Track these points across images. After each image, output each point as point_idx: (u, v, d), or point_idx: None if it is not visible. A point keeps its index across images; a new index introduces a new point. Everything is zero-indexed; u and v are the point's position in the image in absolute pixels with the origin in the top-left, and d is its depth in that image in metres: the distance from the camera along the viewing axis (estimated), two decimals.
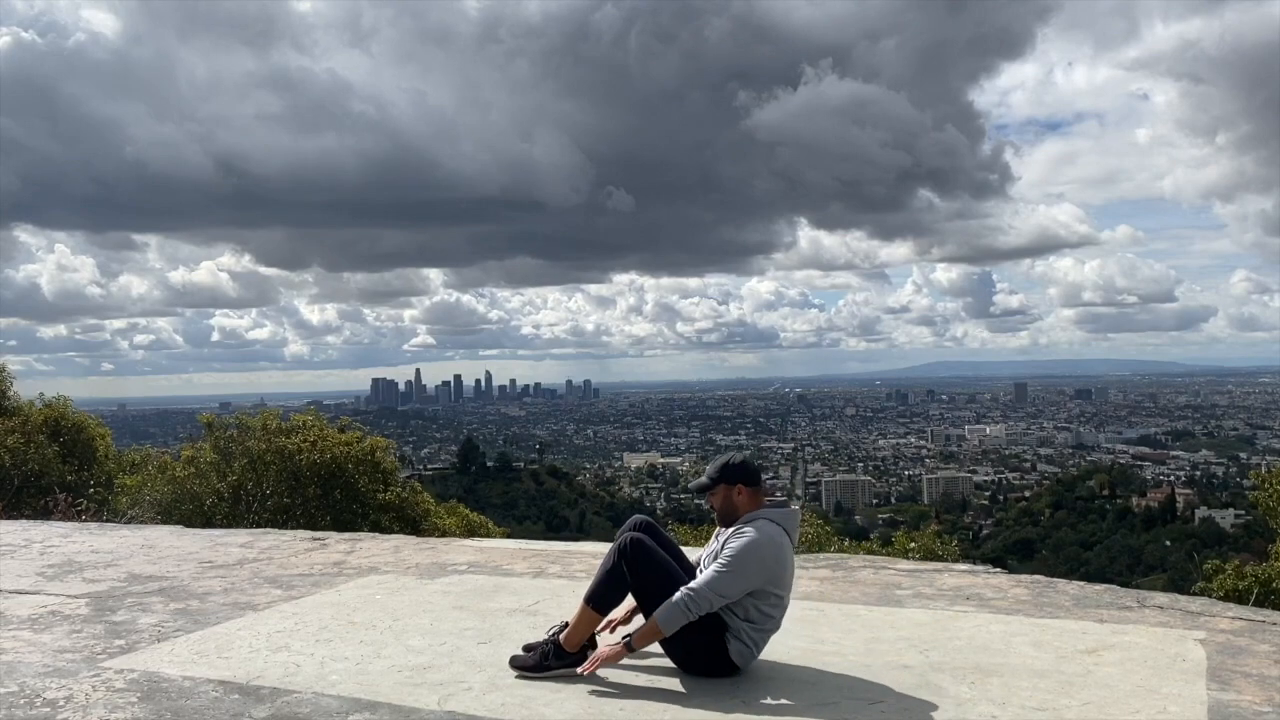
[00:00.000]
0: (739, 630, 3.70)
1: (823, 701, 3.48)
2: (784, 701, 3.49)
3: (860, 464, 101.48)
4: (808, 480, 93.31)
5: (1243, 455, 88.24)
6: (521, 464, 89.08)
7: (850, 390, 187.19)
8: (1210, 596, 8.01)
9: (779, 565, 3.72)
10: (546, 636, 3.86)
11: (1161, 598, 4.99)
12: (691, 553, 4.17)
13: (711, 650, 3.70)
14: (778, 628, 3.83)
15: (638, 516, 4.06)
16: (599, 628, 3.94)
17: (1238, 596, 9.40)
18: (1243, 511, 57.50)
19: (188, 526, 8.90)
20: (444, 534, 12.71)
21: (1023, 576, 5.46)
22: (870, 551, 11.39)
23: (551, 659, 3.75)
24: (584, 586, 3.90)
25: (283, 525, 10.79)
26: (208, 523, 10.86)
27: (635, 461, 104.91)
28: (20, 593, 5.45)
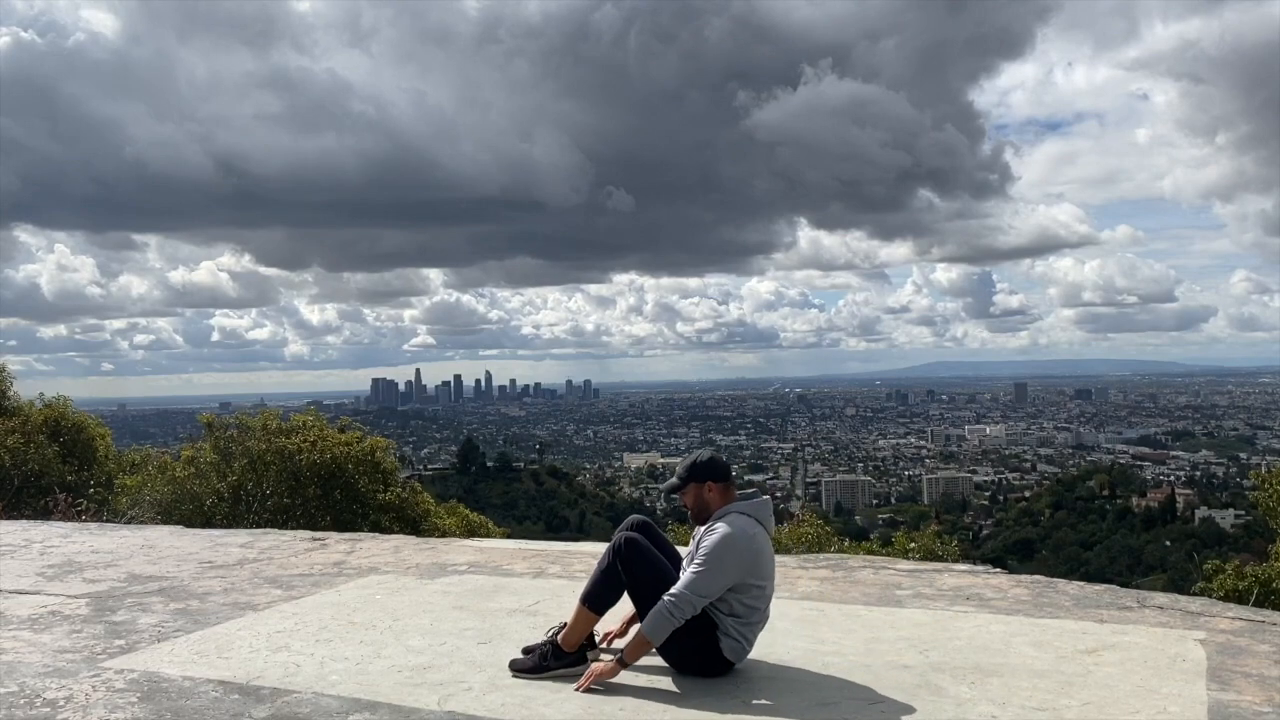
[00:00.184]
0: (728, 627, 3.70)
1: (823, 701, 3.48)
2: (783, 701, 3.49)
3: (860, 464, 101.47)
4: (808, 480, 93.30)
5: (1243, 455, 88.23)
6: (521, 464, 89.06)
7: (850, 390, 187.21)
8: (1210, 596, 8.01)
9: (755, 555, 3.72)
10: (545, 638, 3.87)
11: (1161, 598, 4.99)
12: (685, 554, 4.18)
13: (705, 650, 3.70)
14: (765, 619, 3.84)
15: (634, 516, 4.07)
16: (600, 639, 3.96)
17: (1238, 597, 9.41)
18: (1243, 512, 57.52)
19: (188, 527, 8.90)
20: (444, 534, 12.71)
21: (1023, 577, 5.46)
22: (870, 552, 11.41)
23: (550, 659, 3.76)
24: (583, 586, 3.90)
25: (283, 525, 10.79)
26: (208, 523, 10.85)
27: (635, 461, 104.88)
28: (20, 593, 5.45)
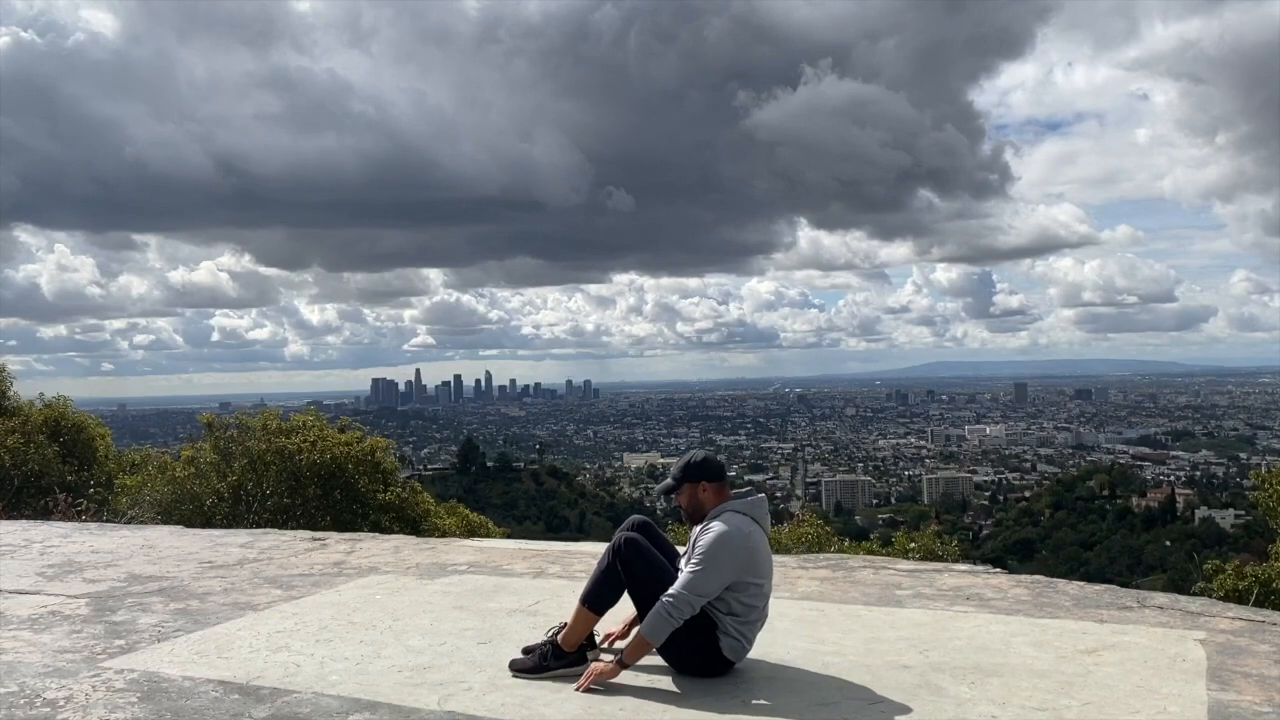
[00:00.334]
0: (727, 626, 3.70)
1: (823, 701, 3.48)
2: (783, 701, 3.49)
3: (860, 464, 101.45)
4: (808, 480, 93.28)
5: (1243, 455, 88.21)
6: (521, 464, 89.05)
7: (850, 390, 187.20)
8: (1210, 597, 8.00)
9: (751, 554, 3.72)
10: (545, 638, 3.87)
11: (1161, 598, 4.99)
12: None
13: (704, 649, 3.70)
14: (764, 617, 3.84)
15: (634, 517, 4.07)
16: (601, 640, 3.96)
17: (1238, 597, 9.41)
18: (1243, 512, 57.51)
19: (188, 527, 8.90)
20: (444, 534, 12.71)
21: (1023, 577, 5.46)
22: (870, 552, 11.41)
23: (550, 660, 3.76)
24: (583, 587, 3.90)
25: (283, 525, 10.79)
26: (208, 523, 10.85)
27: (635, 461, 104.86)
28: (20, 593, 5.44)
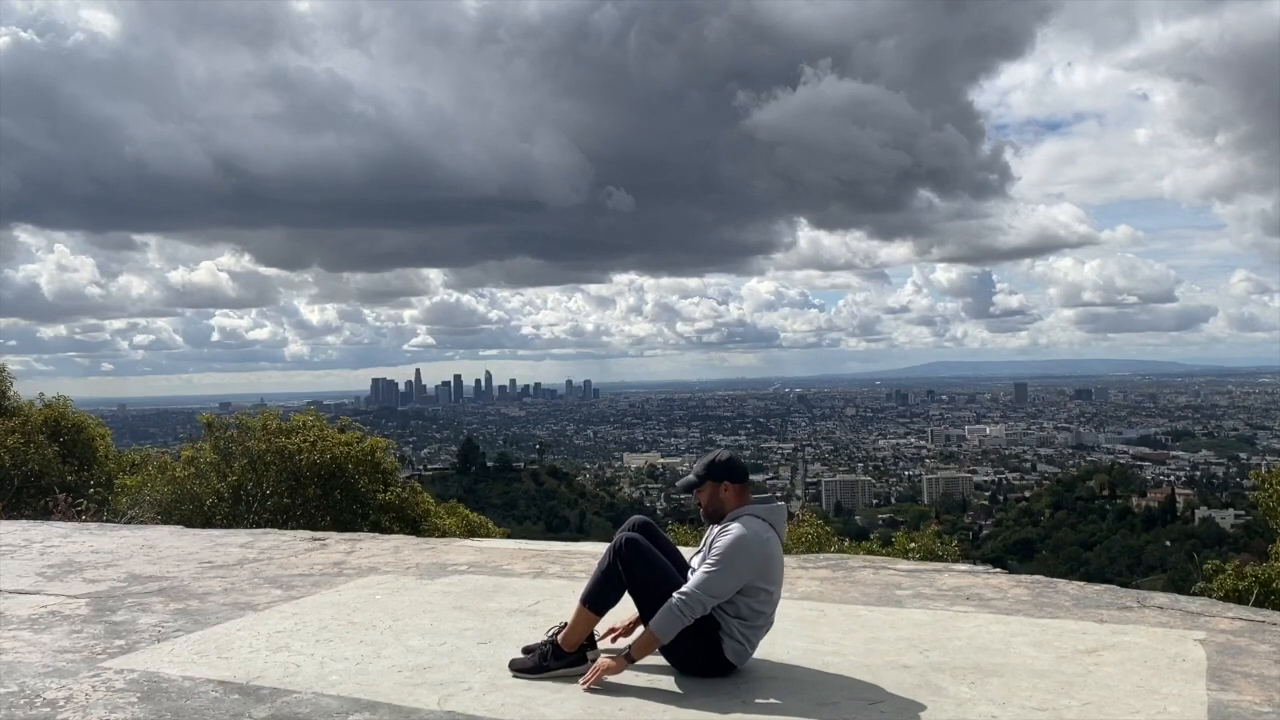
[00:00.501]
0: (732, 629, 3.70)
1: (823, 702, 3.48)
2: (784, 701, 3.49)
3: (860, 464, 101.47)
4: (808, 480, 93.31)
5: (1243, 455, 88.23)
6: (521, 464, 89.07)
7: (850, 390, 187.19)
8: (1210, 597, 8.00)
9: (766, 560, 3.72)
10: (545, 637, 3.87)
11: (1161, 598, 4.99)
12: (689, 553, 4.17)
13: (707, 650, 3.70)
14: (770, 624, 3.84)
15: (635, 517, 4.07)
16: (603, 635, 3.95)
17: (1238, 597, 9.41)
18: (1243, 512, 57.52)
19: (188, 527, 8.90)
20: (444, 534, 12.71)
21: (1023, 577, 5.46)
22: (870, 552, 11.41)
23: (550, 660, 3.75)
24: (584, 587, 3.90)
25: (283, 525, 10.79)
26: (208, 523, 10.86)
27: (635, 462, 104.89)
28: (20, 593, 5.44)
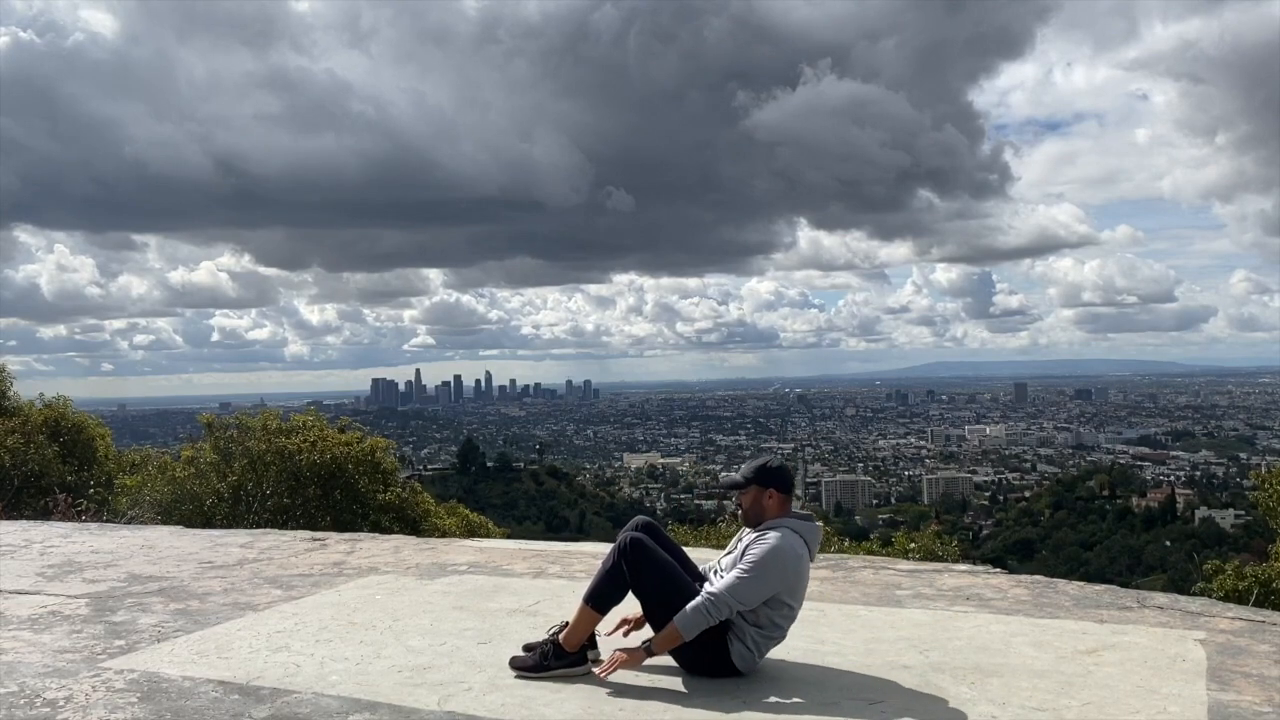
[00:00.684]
0: (744, 632, 3.70)
1: (823, 702, 3.48)
2: (784, 701, 3.49)
3: (860, 464, 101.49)
4: (808, 480, 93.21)
5: (1243, 455, 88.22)
6: (521, 464, 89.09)
7: (850, 390, 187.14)
8: (1210, 597, 8.00)
9: (796, 576, 3.75)
10: (546, 636, 3.87)
11: (1161, 598, 4.99)
12: (692, 553, 4.17)
13: (714, 650, 3.71)
14: (783, 638, 3.84)
15: (639, 517, 4.06)
16: (614, 628, 3.94)
17: (1238, 597, 9.41)
18: (1243, 512, 57.53)
19: (188, 527, 8.90)
20: (444, 534, 12.71)
21: (1023, 577, 5.46)
22: (870, 552, 11.40)
23: (551, 659, 3.75)
24: (584, 587, 3.90)
25: (283, 525, 10.79)
26: (208, 523, 10.86)
27: (635, 462, 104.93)
28: (20, 593, 5.45)
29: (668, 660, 3.79)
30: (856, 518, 72.35)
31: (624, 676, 3.70)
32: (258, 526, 10.28)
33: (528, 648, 3.88)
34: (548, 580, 5.58)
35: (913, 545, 12.85)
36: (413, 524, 12.93)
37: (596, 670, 3.71)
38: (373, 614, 4.81)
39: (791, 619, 3.81)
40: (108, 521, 9.90)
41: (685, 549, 4.15)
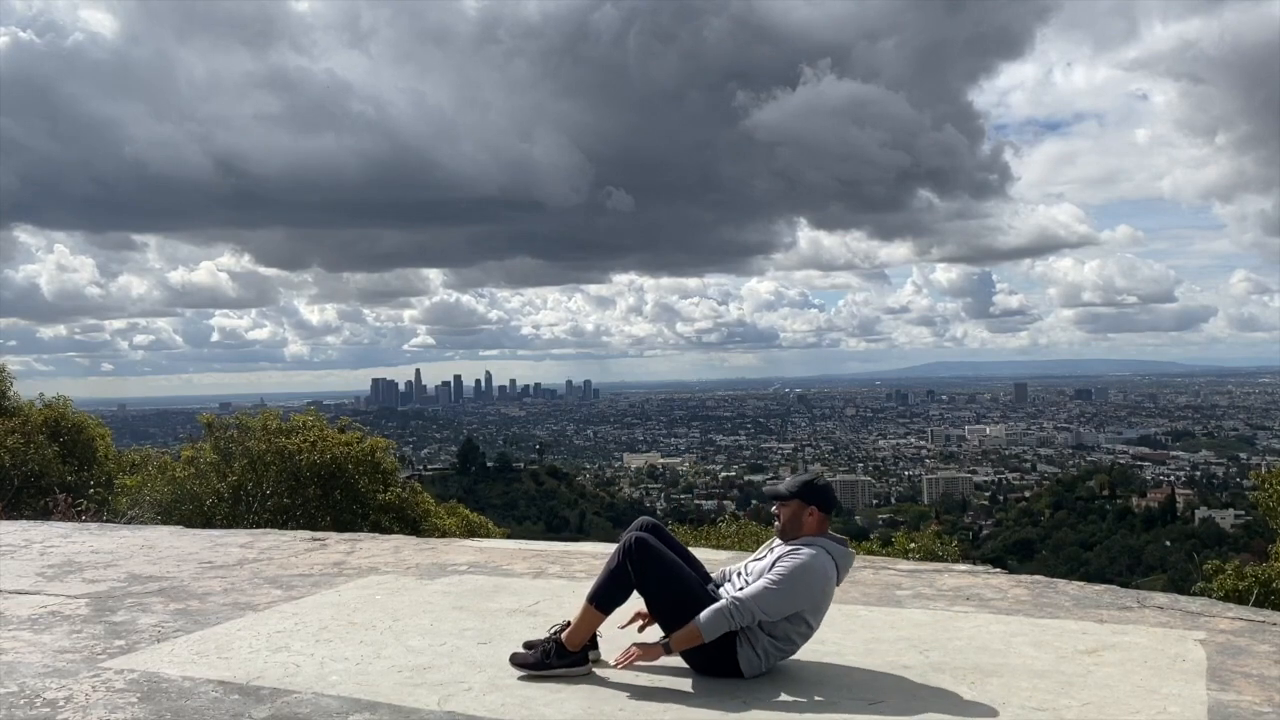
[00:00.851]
0: (757, 640, 3.69)
1: (823, 702, 3.48)
2: (784, 701, 3.49)
3: (860, 464, 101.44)
4: None
5: (1243, 455, 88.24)
6: (521, 464, 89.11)
7: (850, 390, 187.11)
8: (1210, 597, 8.01)
9: (823, 596, 3.76)
10: (548, 635, 3.87)
11: (1161, 598, 4.99)
12: (724, 556, 4.17)
13: (721, 652, 3.71)
14: (794, 653, 3.84)
15: (644, 518, 4.05)
16: (629, 622, 3.94)
17: (1238, 597, 9.42)
18: (1243, 512, 57.54)
19: (188, 527, 8.90)
20: (444, 534, 12.72)
21: (1023, 577, 5.46)
22: (870, 552, 11.41)
23: (553, 658, 3.75)
24: (584, 587, 3.90)
25: (283, 525, 10.80)
26: (208, 523, 10.86)
27: (635, 462, 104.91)
28: (20, 593, 5.44)
29: (667, 660, 3.79)
30: (856, 518, 72.31)
31: (624, 676, 3.70)
32: (258, 526, 10.29)
33: (529, 645, 3.89)
34: (548, 580, 5.58)
35: (913, 545, 12.87)
36: (413, 524, 12.94)
37: (612, 660, 3.72)
38: (373, 614, 4.81)
39: (807, 638, 3.81)
40: (108, 521, 9.90)
41: (714, 552, 4.14)
